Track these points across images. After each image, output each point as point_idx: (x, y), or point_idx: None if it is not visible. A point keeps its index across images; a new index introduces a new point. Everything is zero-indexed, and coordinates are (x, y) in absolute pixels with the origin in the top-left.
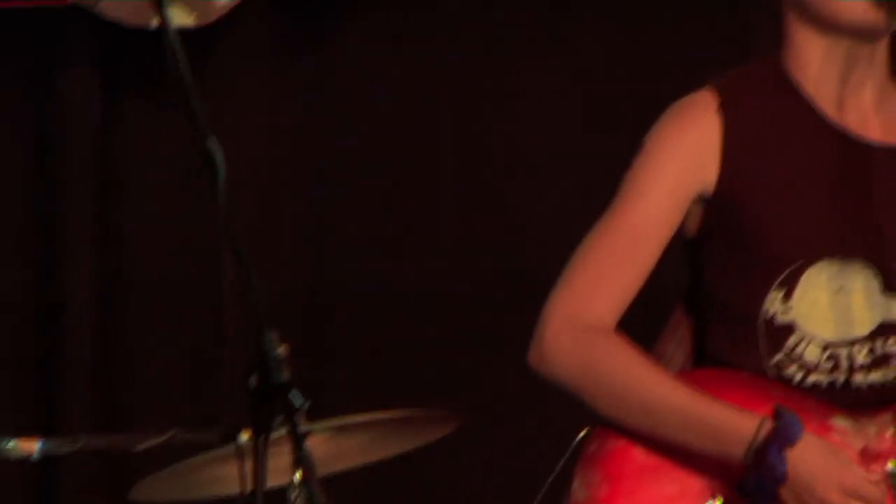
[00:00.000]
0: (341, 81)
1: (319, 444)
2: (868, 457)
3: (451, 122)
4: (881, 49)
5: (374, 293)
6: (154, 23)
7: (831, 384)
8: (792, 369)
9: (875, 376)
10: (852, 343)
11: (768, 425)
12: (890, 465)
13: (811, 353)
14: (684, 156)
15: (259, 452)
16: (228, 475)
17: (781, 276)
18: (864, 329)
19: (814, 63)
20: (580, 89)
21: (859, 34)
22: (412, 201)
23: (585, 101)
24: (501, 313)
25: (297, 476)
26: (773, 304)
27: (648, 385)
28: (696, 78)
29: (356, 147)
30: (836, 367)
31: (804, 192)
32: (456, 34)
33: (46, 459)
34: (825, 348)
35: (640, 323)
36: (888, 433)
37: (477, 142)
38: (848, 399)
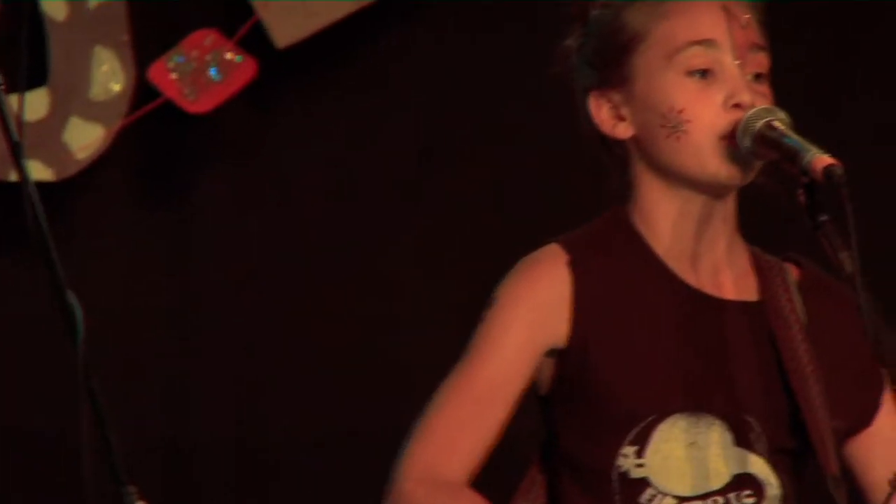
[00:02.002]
0: (201, 234)
1: None
2: None
3: (319, 274)
4: (731, 204)
5: (237, 445)
6: (12, 177)
7: None
8: None
9: None
10: (707, 497)
11: None
12: None
13: None
14: (536, 310)
15: None
16: None
17: (634, 432)
18: (718, 483)
19: (665, 219)
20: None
21: (714, 191)
22: (277, 351)
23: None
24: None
25: None
26: (627, 459)
27: None
28: None
29: (218, 299)
30: None
31: (655, 348)
32: (312, 186)
33: None
34: (680, 502)
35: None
36: None
37: (348, 289)
38: None
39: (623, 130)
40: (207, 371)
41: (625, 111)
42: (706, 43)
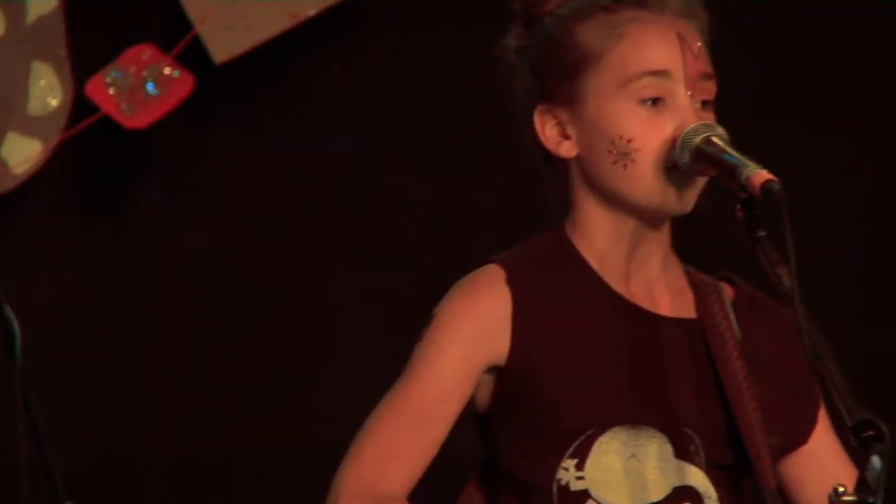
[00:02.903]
0: (139, 248)
1: None
2: None
3: (258, 288)
4: (666, 226)
5: (178, 461)
6: None
7: None
8: None
9: None
10: None
11: None
12: None
13: None
14: (474, 327)
15: None
16: None
17: (574, 445)
18: (657, 495)
19: (603, 238)
20: None
21: (651, 214)
22: (217, 366)
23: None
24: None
25: None
26: (567, 472)
27: None
28: None
29: (157, 313)
30: None
31: (594, 362)
32: (249, 201)
33: None
34: None
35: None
36: None
37: (287, 303)
38: None
39: (567, 149)
40: (147, 386)
41: (571, 130)
42: (660, 73)
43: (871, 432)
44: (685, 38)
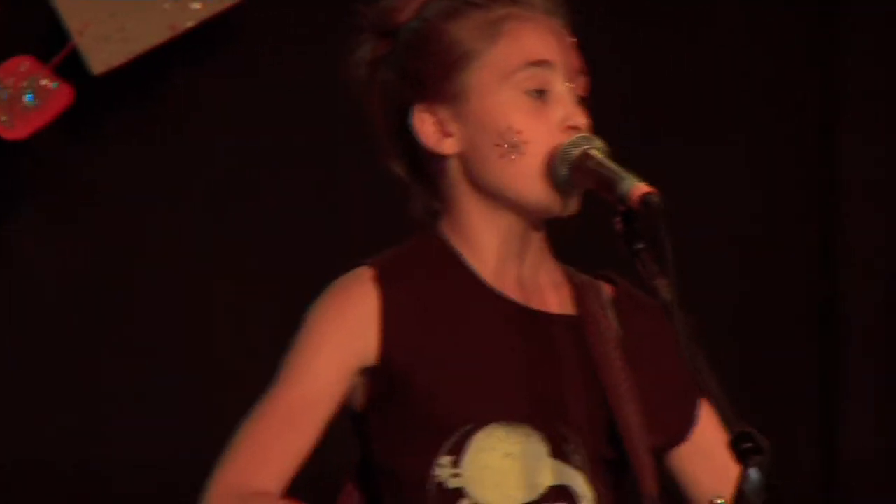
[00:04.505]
0: (17, 260)
1: None
2: None
3: (136, 298)
4: (544, 224)
5: (68, 468)
6: None
7: None
8: None
9: None
10: None
11: None
12: None
13: None
14: (344, 330)
15: None
16: None
17: (450, 442)
18: (533, 494)
19: (484, 236)
20: None
21: (536, 215)
22: (98, 375)
23: None
24: None
25: None
26: (443, 469)
27: None
28: None
29: (38, 325)
30: None
31: (470, 359)
32: (129, 212)
33: None
34: None
35: None
36: None
37: (166, 314)
38: None
39: (450, 146)
40: (32, 395)
41: (453, 127)
42: (542, 64)
43: (749, 445)
44: (559, 32)
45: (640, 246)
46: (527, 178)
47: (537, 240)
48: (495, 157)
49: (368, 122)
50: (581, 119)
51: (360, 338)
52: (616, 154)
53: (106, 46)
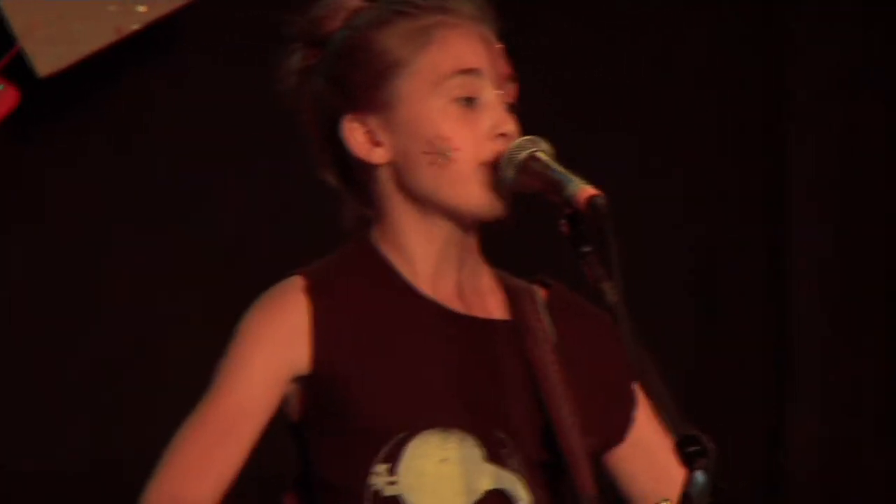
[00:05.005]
0: None
1: None
2: None
3: (77, 300)
4: (476, 229)
5: None
6: None
7: None
8: None
9: None
10: None
11: None
12: None
13: None
14: (275, 340)
15: None
16: None
17: (385, 450)
18: (470, 499)
19: (416, 244)
20: None
21: (469, 220)
22: (22, 381)
23: None
24: None
25: None
26: (379, 478)
27: None
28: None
29: None
30: None
31: (404, 366)
32: (75, 213)
33: None
34: None
35: None
36: None
37: (102, 316)
38: None
39: (380, 156)
40: None
41: (382, 136)
42: (471, 72)
43: (694, 447)
44: (487, 39)
45: (587, 249)
46: (457, 184)
47: (469, 246)
48: (425, 165)
49: (301, 131)
50: (510, 126)
51: (292, 347)
52: (560, 156)
53: (52, 49)
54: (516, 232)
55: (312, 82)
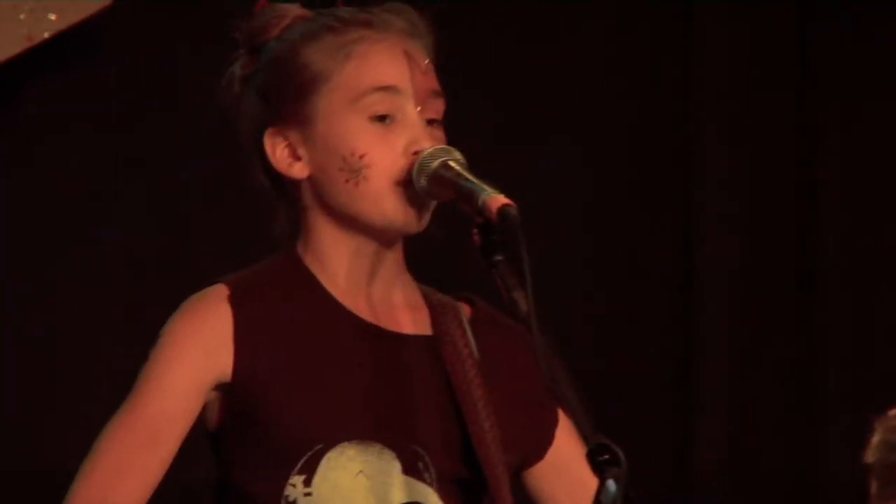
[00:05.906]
0: None
1: None
2: None
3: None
4: (400, 245)
5: None
6: None
7: None
8: None
9: None
10: None
11: None
12: None
13: None
14: (197, 347)
15: None
16: None
17: (302, 461)
18: None
19: (338, 258)
20: None
21: (388, 235)
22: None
23: None
24: None
25: None
26: (295, 489)
27: None
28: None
29: None
30: None
31: (323, 378)
32: None
33: None
34: None
35: None
36: None
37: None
38: None
39: (299, 170)
40: None
41: (302, 151)
42: (389, 89)
43: (606, 456)
44: (412, 55)
45: (498, 258)
46: (371, 201)
47: (391, 260)
48: (341, 181)
49: (236, 139)
50: (426, 143)
51: (215, 355)
52: (473, 165)
53: None
54: (435, 243)
55: (248, 91)
